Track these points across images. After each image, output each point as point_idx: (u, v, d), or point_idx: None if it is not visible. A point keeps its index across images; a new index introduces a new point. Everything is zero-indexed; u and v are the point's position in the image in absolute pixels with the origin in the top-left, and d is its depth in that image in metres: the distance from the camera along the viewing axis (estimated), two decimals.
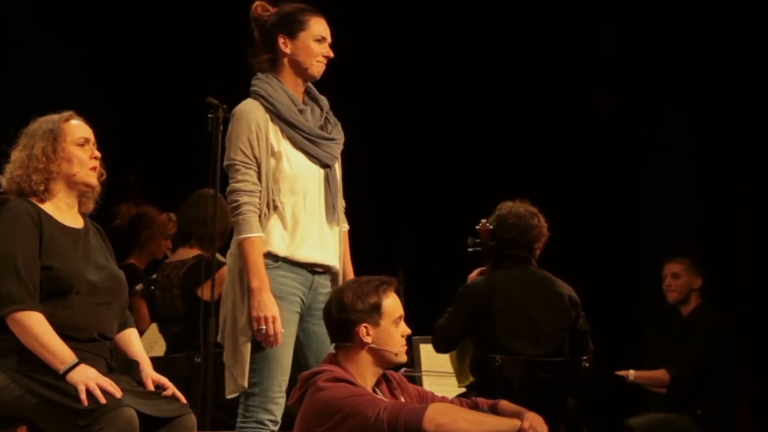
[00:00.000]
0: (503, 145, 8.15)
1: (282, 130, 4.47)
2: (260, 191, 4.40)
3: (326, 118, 4.60)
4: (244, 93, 4.54)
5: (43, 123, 4.14)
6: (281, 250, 4.42)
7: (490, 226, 5.72)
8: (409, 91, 8.17)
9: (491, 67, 8.15)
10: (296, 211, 4.45)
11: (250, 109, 4.46)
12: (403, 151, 8.24)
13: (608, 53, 8.16)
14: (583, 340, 5.72)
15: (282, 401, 4.40)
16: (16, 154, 4.11)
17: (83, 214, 4.20)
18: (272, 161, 4.44)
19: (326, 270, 4.55)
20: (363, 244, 4.99)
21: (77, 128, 4.15)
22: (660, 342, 7.52)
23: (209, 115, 4.93)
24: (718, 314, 6.97)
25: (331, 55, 4.57)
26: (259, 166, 4.42)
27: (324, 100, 4.64)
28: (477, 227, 5.76)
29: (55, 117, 4.16)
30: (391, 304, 4.09)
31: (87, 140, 4.15)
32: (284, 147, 4.46)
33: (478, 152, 8.20)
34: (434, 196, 8.20)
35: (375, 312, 4.05)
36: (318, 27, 4.55)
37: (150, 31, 7.86)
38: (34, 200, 4.07)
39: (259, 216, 4.39)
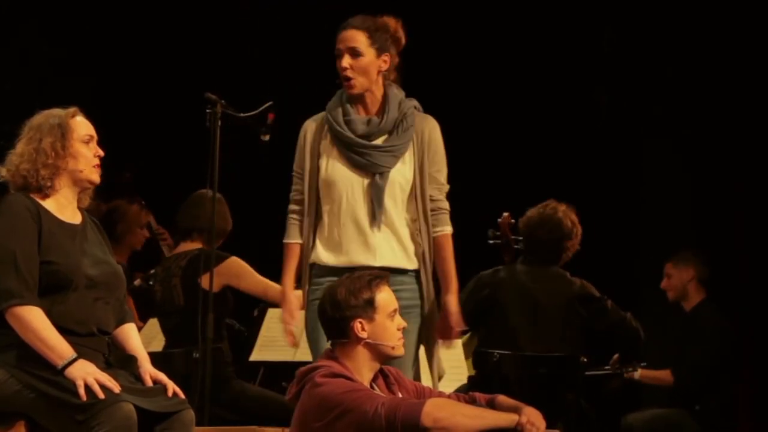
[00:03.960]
0: (502, 144, 8.14)
1: (330, 138, 4.62)
2: (303, 201, 4.61)
3: (395, 125, 4.64)
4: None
5: (49, 117, 4.11)
6: (326, 258, 4.55)
7: (513, 220, 5.75)
8: (408, 91, 8.15)
9: (491, 66, 8.15)
10: (332, 218, 4.56)
11: (308, 121, 4.68)
12: None
13: (608, 53, 8.16)
14: (621, 332, 5.72)
15: None
16: (22, 147, 4.08)
17: (81, 210, 4.20)
18: (315, 169, 4.59)
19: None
20: None
21: (82, 125, 4.14)
22: (661, 339, 7.50)
23: (207, 111, 4.93)
24: (720, 312, 6.97)
25: None
26: (302, 177, 4.62)
27: (395, 110, 4.69)
28: (498, 220, 5.77)
29: (61, 112, 4.13)
30: (385, 298, 4.09)
31: (92, 137, 4.15)
32: (328, 154, 4.60)
33: (478, 151, 8.18)
34: None
35: (369, 307, 4.06)
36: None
37: (148, 26, 7.87)
38: (35, 196, 4.05)
39: (302, 224, 4.60)
